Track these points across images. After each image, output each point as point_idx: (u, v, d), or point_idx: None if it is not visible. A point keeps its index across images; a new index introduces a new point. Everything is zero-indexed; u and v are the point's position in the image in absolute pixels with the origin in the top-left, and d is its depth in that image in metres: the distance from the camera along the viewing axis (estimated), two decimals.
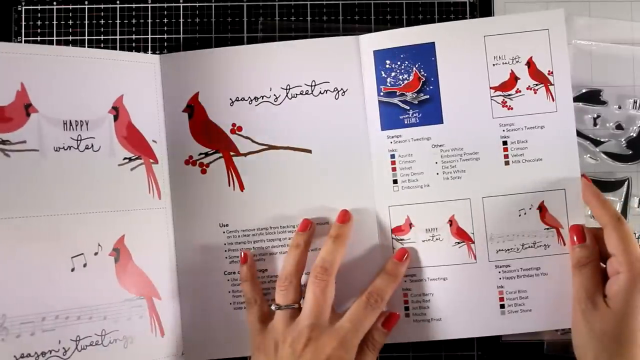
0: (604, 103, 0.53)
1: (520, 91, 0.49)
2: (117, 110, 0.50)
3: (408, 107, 0.50)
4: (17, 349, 0.45)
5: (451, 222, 0.50)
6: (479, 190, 0.49)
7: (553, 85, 0.49)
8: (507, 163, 0.49)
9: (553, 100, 0.49)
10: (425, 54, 0.50)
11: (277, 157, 0.51)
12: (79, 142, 0.48)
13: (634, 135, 0.53)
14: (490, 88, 0.49)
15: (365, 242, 0.51)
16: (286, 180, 0.51)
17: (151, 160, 0.51)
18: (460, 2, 0.55)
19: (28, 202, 0.46)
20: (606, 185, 0.53)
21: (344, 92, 0.51)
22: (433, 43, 0.50)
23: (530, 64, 0.49)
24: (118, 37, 0.55)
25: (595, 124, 0.53)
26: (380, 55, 0.50)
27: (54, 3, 0.55)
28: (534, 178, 0.49)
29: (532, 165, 0.49)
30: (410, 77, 0.50)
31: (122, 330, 0.48)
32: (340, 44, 0.51)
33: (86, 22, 0.55)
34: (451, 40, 0.50)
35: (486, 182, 0.49)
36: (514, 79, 0.49)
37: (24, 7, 0.55)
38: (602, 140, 0.53)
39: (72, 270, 0.47)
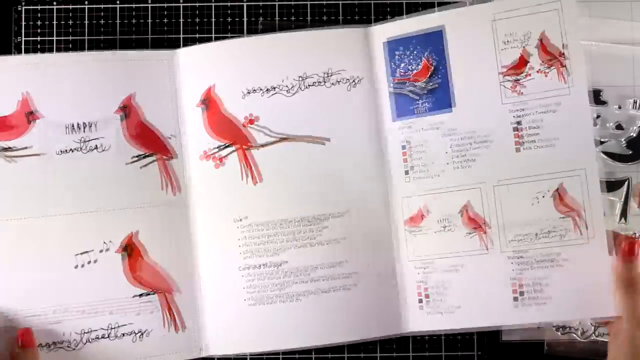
0: (604, 103, 0.53)
1: (530, 74, 0.48)
2: (126, 109, 0.50)
3: (418, 97, 0.50)
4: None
5: (463, 211, 0.49)
6: (491, 178, 0.49)
7: (565, 65, 0.48)
8: (518, 149, 0.48)
9: (565, 80, 0.48)
10: (434, 40, 0.50)
11: (292, 148, 0.51)
12: (82, 144, 0.50)
13: (634, 135, 0.53)
14: (500, 73, 0.49)
15: (379, 234, 0.51)
16: (301, 171, 0.51)
17: (165, 157, 0.51)
18: (461, 2, 0.55)
19: (33, 204, 0.49)
20: (606, 185, 0.53)
21: (356, 82, 0.51)
22: (442, 29, 0.49)
23: (541, 44, 0.48)
24: (118, 37, 0.55)
25: (595, 124, 0.53)
26: (391, 46, 0.51)
27: (54, 3, 0.55)
28: (547, 163, 0.48)
29: (545, 150, 0.48)
30: (420, 65, 0.50)
31: (132, 325, 0.50)
32: (353, 35, 0.51)
33: (86, 22, 0.55)
34: (459, 24, 0.49)
35: (498, 169, 0.49)
36: (523, 61, 0.48)
37: (24, 7, 0.55)
38: (602, 140, 0.53)
39: (76, 267, 0.49)
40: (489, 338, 0.53)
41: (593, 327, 0.52)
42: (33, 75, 0.49)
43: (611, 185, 0.53)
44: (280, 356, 0.53)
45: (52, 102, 0.50)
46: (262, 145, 0.51)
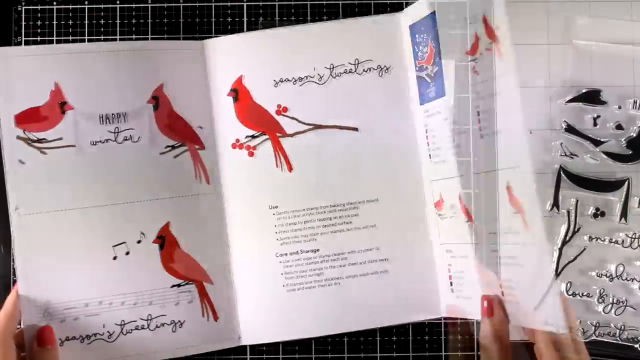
0: (604, 103, 0.53)
1: (482, 54, 0.47)
2: (157, 100, 0.50)
3: (430, 80, 0.50)
4: (62, 332, 0.48)
5: (459, 198, 0.49)
6: (472, 166, 0.48)
7: (500, 49, 0.44)
8: (481, 136, 0.48)
9: (502, 59, 0.44)
10: (432, 25, 0.50)
11: (324, 136, 0.51)
12: (116, 134, 0.50)
13: (634, 135, 0.53)
14: (466, 53, 0.49)
15: (412, 219, 0.51)
16: (334, 159, 0.51)
17: (197, 147, 0.51)
18: (461, 2, 0.55)
19: (67, 196, 0.49)
20: (606, 185, 0.53)
21: (387, 69, 0.52)
22: (434, 12, 0.49)
23: (485, 26, 0.46)
24: (118, 37, 0.55)
25: (595, 124, 0.53)
26: (413, 29, 0.51)
27: (54, 3, 0.55)
28: (498, 153, 0.46)
29: (498, 138, 0.45)
30: (427, 49, 0.50)
31: (170, 315, 0.50)
32: (381, 22, 0.52)
33: (86, 22, 0.55)
34: (442, 7, 0.49)
35: (474, 157, 0.48)
36: (477, 42, 0.47)
37: (24, 7, 0.55)
38: (602, 140, 0.53)
39: (114, 258, 0.49)
40: None
41: (593, 327, 0.52)
42: (63, 64, 0.49)
43: (611, 185, 0.53)
44: (280, 356, 0.53)
45: (83, 92, 0.49)
46: (294, 134, 0.51)
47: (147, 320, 0.49)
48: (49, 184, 0.49)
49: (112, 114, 0.50)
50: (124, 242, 0.49)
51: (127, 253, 0.49)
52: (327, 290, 0.51)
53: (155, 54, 0.50)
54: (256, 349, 0.53)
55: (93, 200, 0.49)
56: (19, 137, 0.49)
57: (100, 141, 0.49)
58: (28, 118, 0.49)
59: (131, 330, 0.49)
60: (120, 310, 0.49)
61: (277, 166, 0.51)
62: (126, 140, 0.50)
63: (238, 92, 0.51)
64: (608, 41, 0.53)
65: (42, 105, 0.49)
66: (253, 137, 0.51)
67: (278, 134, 0.51)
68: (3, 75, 0.49)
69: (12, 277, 0.52)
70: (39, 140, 0.49)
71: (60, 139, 0.49)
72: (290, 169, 0.51)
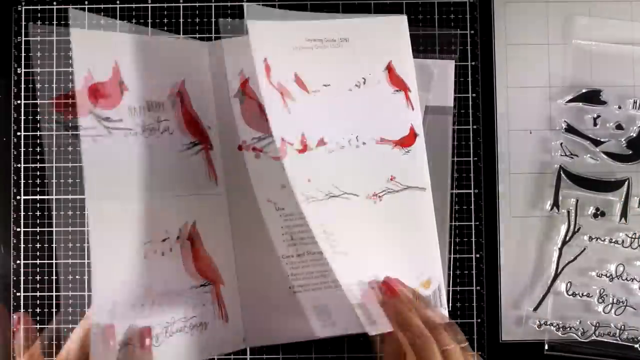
0: (604, 103, 0.53)
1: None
2: (181, 95, 0.49)
3: None
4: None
5: None
6: None
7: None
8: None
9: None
10: None
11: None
12: (159, 123, 0.47)
13: (634, 135, 0.53)
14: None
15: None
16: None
17: (209, 146, 0.50)
18: (460, 2, 0.55)
19: (128, 183, 0.44)
20: (606, 185, 0.53)
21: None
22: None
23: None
24: None
25: (595, 124, 0.53)
26: None
27: (54, 3, 0.55)
28: None
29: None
30: None
31: (190, 318, 0.47)
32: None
33: (86, 22, 0.55)
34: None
35: None
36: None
37: (24, 7, 0.55)
38: (602, 140, 0.53)
39: (145, 257, 0.44)
40: (489, 338, 0.53)
41: (593, 327, 0.52)
42: (119, 45, 0.46)
43: (611, 185, 0.53)
44: (281, 356, 0.53)
45: (134, 75, 0.46)
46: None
47: (171, 323, 0.46)
48: (110, 170, 0.43)
49: (155, 103, 0.47)
50: (151, 241, 0.45)
51: (156, 252, 0.45)
52: (334, 292, 0.50)
53: (179, 49, 0.50)
54: (256, 349, 0.53)
55: (131, 193, 0.44)
56: (91, 113, 0.42)
57: (149, 129, 0.46)
58: (97, 92, 0.43)
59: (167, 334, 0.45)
60: (156, 312, 0.44)
61: None
62: (165, 131, 0.47)
63: (244, 94, 0.51)
64: (608, 41, 0.54)
65: (106, 81, 0.43)
66: (260, 138, 0.51)
67: None
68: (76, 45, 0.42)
69: (11, 277, 0.52)
70: (107, 119, 0.43)
71: (120, 120, 0.44)
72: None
